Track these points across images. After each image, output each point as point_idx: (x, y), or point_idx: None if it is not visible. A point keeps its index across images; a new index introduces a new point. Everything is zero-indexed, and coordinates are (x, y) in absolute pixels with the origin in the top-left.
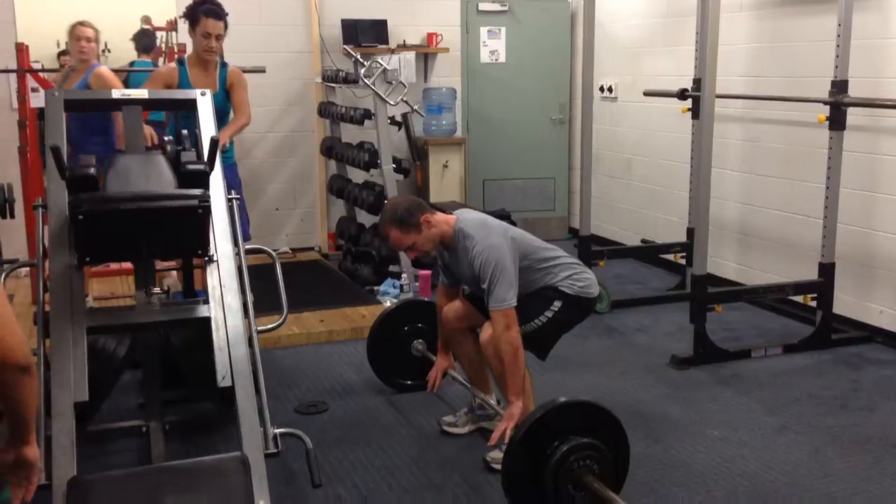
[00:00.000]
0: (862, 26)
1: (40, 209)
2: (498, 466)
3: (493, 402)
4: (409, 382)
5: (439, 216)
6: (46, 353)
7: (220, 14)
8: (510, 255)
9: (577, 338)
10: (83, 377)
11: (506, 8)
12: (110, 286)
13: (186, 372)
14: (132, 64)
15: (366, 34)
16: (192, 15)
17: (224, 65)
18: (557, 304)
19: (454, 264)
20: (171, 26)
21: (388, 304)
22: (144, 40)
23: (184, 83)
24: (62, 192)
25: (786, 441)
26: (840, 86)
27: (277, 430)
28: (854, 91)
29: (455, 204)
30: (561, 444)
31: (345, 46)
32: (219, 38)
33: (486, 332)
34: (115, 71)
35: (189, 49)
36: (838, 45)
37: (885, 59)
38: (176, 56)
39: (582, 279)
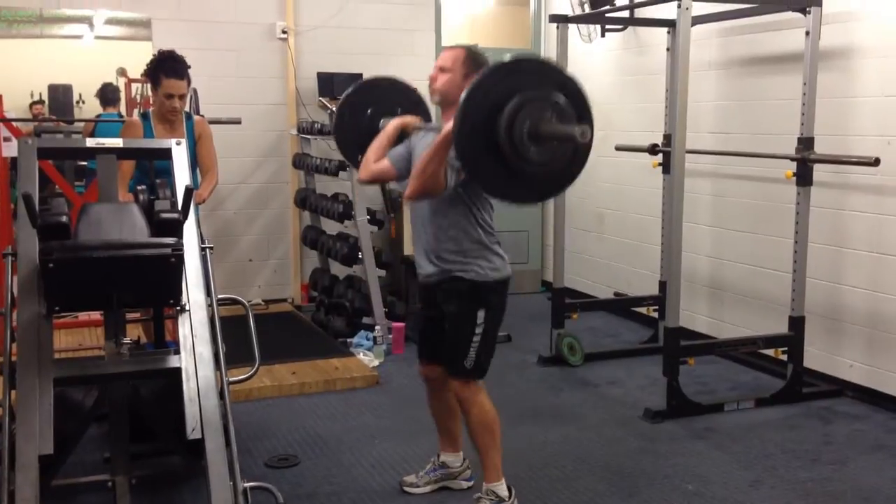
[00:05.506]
0: (826, 85)
1: (9, 257)
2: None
3: (458, 462)
4: None
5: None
6: (12, 405)
7: (182, 73)
8: None
9: (550, 390)
10: (49, 429)
11: None
12: (78, 338)
13: (155, 424)
14: (99, 116)
15: (341, 87)
16: (153, 75)
17: (189, 117)
18: (482, 315)
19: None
20: (147, 79)
21: (361, 356)
22: (108, 94)
23: (148, 138)
24: (33, 240)
25: (760, 495)
26: (806, 143)
27: (247, 484)
28: (820, 148)
29: None
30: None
31: (321, 98)
32: (182, 97)
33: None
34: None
35: None
36: (804, 104)
37: (849, 117)
38: (139, 108)
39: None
